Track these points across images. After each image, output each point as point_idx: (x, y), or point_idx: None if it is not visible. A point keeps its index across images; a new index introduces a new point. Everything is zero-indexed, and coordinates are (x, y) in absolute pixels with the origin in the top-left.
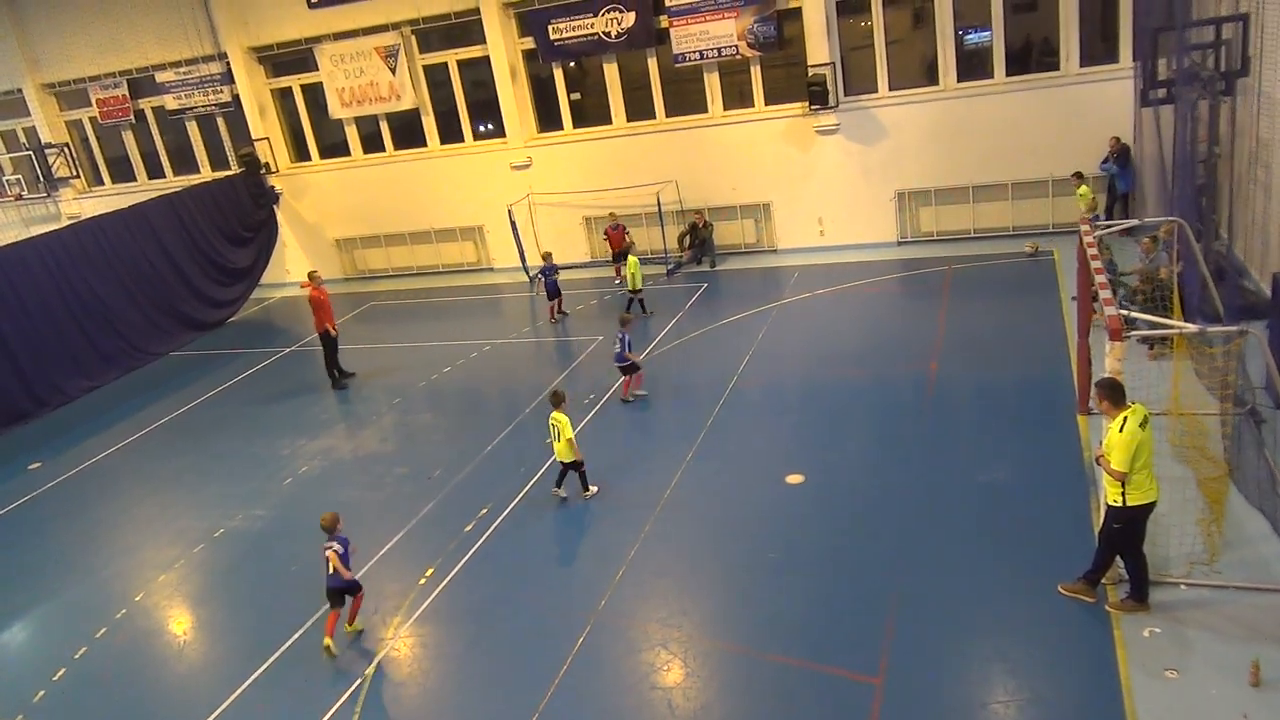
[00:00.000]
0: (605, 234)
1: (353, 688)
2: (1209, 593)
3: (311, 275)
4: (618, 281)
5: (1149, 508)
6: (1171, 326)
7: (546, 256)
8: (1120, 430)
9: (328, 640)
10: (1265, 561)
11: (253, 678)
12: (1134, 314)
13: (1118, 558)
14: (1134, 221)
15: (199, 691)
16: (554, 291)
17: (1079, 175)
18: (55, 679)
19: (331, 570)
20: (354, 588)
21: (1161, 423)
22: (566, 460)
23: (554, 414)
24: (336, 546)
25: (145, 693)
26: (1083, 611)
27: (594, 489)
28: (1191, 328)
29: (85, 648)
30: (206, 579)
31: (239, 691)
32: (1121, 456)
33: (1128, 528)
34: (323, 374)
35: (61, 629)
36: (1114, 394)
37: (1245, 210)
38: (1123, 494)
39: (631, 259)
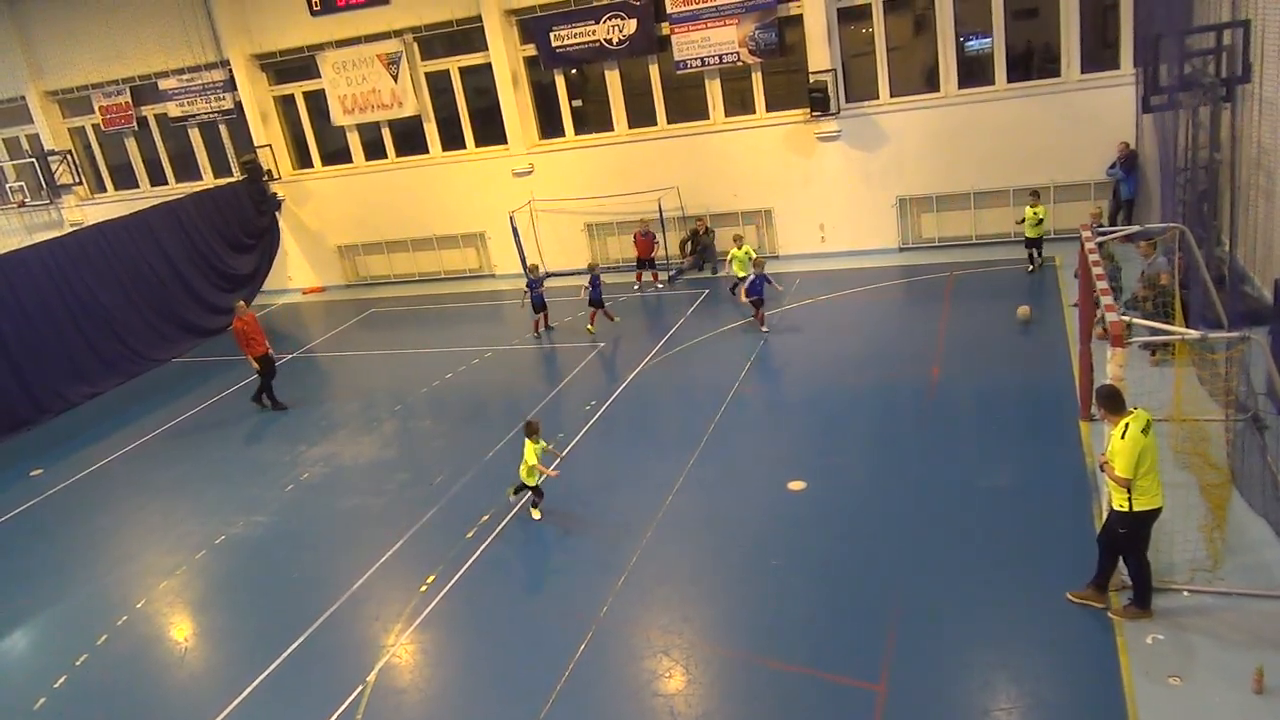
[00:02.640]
0: (635, 239)
1: (354, 695)
2: (1212, 599)
3: (236, 306)
4: (635, 287)
5: (1155, 514)
6: (1174, 332)
7: (533, 269)
8: (1122, 437)
9: (590, 327)
10: (1268, 568)
11: (254, 684)
12: (1136, 320)
13: (1121, 564)
14: (1135, 228)
15: (201, 698)
16: (540, 305)
17: (1035, 194)
18: (56, 686)
19: (590, 287)
20: (601, 304)
21: (1164, 429)
22: (526, 482)
23: (526, 442)
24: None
25: (147, 700)
26: (1085, 618)
27: (538, 516)
28: (1194, 334)
29: (87, 654)
30: (208, 585)
31: (241, 698)
32: (1124, 462)
33: (1132, 533)
34: (322, 381)
35: (63, 636)
36: (1111, 402)
37: (1247, 216)
38: (1129, 499)
39: (735, 251)
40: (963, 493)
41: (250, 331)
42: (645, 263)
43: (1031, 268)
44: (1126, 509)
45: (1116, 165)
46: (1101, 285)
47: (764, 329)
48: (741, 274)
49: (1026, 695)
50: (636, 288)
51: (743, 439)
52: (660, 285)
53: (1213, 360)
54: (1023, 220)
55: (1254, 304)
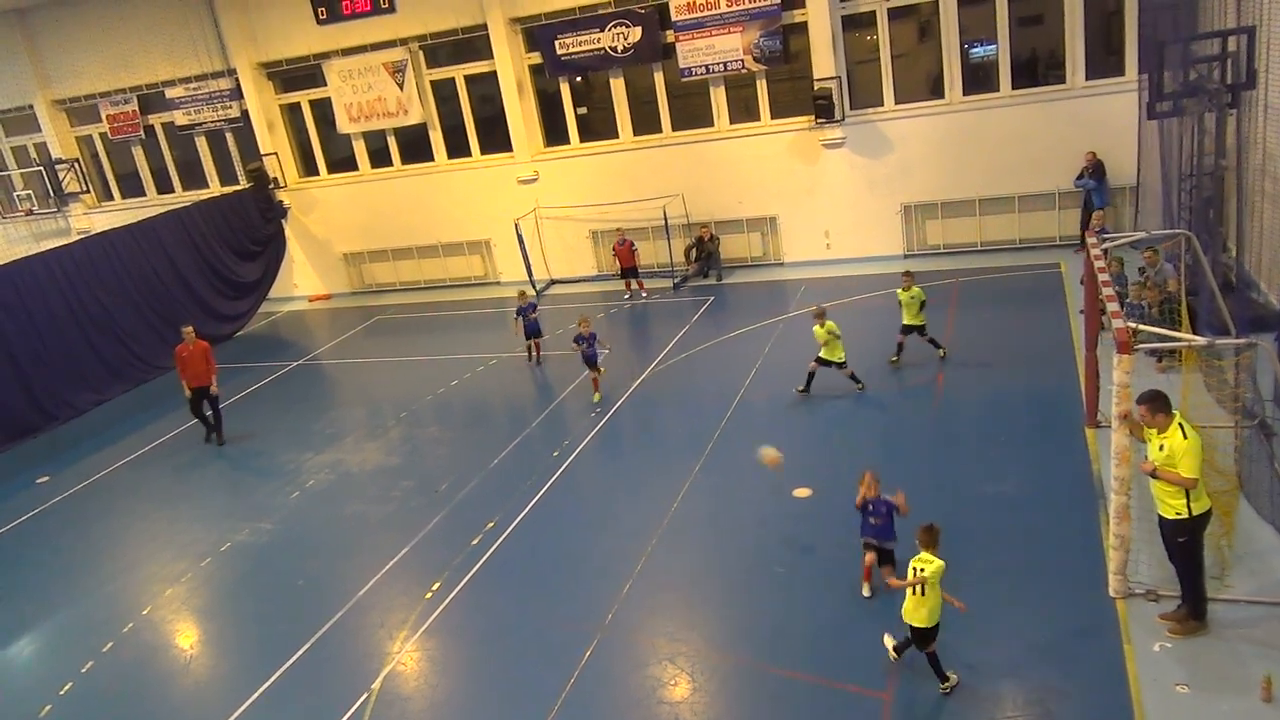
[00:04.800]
0: (614, 249)
1: (359, 702)
2: (1219, 607)
3: (184, 331)
4: (626, 296)
5: (1209, 514)
6: (1180, 339)
7: (521, 296)
8: (1184, 437)
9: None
10: (1276, 575)
11: (259, 692)
12: (1142, 326)
13: (1179, 571)
14: (1141, 234)
15: (205, 706)
16: (534, 331)
17: (909, 275)
18: (62, 693)
19: (586, 348)
20: (594, 362)
21: None
22: (921, 625)
23: (922, 555)
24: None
25: (151, 707)
26: (1093, 625)
27: (953, 678)
28: (1200, 340)
29: (92, 662)
30: (213, 593)
31: (245, 706)
32: (1194, 462)
33: (1193, 540)
34: (327, 389)
35: (68, 643)
36: (1165, 404)
37: (1253, 222)
38: (1187, 504)
39: (826, 325)
40: (968, 499)
41: (189, 360)
42: (629, 271)
43: (895, 358)
44: (1186, 516)
45: (1085, 175)
46: (1107, 292)
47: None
48: (830, 357)
49: (1033, 702)
50: (627, 297)
51: (748, 445)
52: (645, 295)
53: (1220, 367)
54: (900, 304)
55: (1261, 310)
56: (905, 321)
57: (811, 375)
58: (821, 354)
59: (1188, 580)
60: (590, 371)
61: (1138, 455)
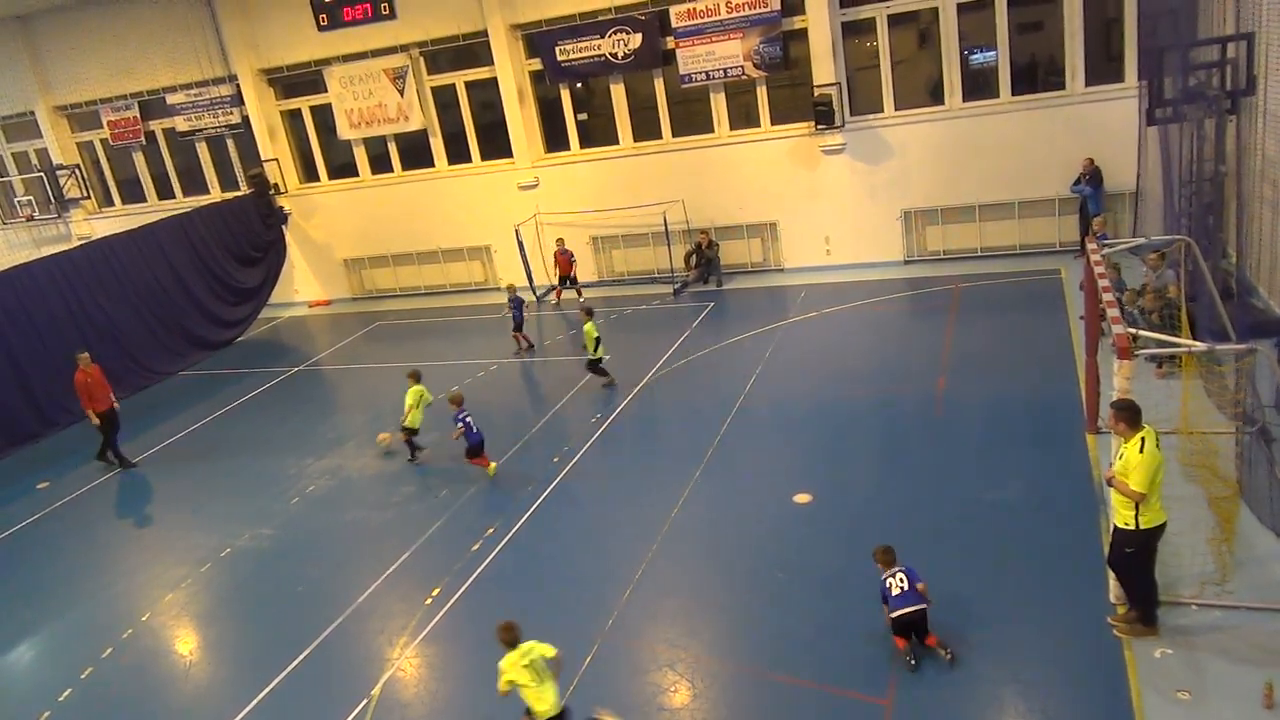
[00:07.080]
0: (555, 257)
1: (359, 708)
2: (1221, 614)
3: (79, 358)
4: (555, 304)
5: (1160, 530)
6: (1180, 345)
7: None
8: (1140, 451)
9: (491, 466)
10: (1277, 581)
11: (260, 698)
12: (1142, 332)
13: (1119, 577)
14: (1141, 240)
15: (205, 712)
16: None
17: (589, 312)
18: (61, 699)
19: (476, 430)
20: (481, 445)
21: (1171, 441)
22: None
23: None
24: (467, 417)
25: (152, 714)
26: (1094, 632)
27: None
28: (1200, 346)
29: (92, 668)
30: (213, 598)
31: (245, 711)
32: (1143, 477)
33: (1140, 551)
34: (328, 394)
35: (68, 649)
36: (1132, 415)
37: (1253, 228)
38: (1135, 517)
39: (416, 388)
40: (969, 506)
41: (93, 385)
42: (566, 279)
43: (608, 380)
44: (1134, 527)
45: (1081, 181)
46: (1108, 298)
47: None
48: (409, 424)
49: (1035, 710)
50: (555, 304)
51: (748, 452)
52: (583, 300)
53: (1220, 373)
54: (593, 344)
55: (1261, 316)
56: (589, 356)
57: (413, 447)
58: (405, 422)
59: (1132, 590)
60: (477, 460)
61: None
